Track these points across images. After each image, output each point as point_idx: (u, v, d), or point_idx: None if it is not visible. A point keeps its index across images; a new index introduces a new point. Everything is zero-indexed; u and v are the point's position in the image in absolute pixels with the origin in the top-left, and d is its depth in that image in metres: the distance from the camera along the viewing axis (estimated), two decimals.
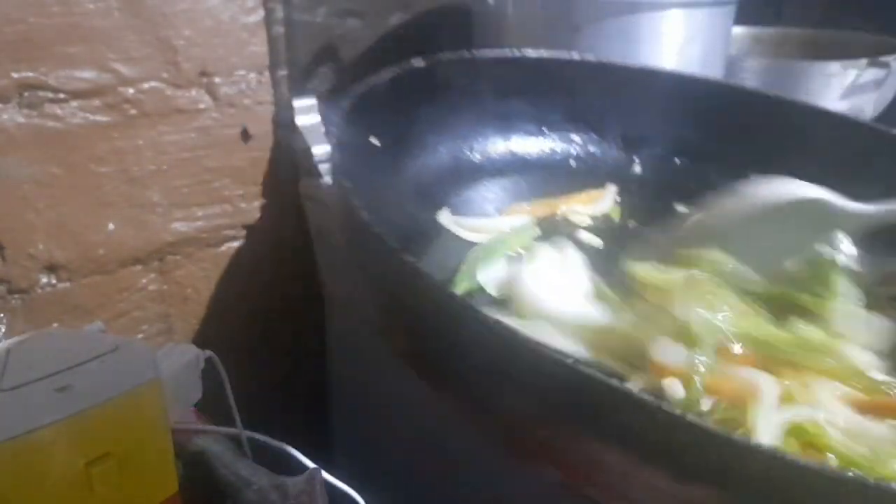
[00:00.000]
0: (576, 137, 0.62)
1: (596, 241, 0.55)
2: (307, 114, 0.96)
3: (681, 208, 0.58)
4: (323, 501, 0.56)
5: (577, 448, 0.30)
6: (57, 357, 0.49)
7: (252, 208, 0.98)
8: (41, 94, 0.79)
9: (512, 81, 0.58)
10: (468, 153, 0.58)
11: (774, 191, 0.48)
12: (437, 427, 0.90)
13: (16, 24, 0.76)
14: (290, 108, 0.95)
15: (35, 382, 0.46)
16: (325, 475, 0.58)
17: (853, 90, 0.95)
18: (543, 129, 0.61)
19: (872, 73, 0.95)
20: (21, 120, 0.78)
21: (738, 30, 1.15)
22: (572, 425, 0.29)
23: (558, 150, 0.62)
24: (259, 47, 0.92)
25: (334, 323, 1.02)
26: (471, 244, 0.52)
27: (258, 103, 0.94)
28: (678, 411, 0.26)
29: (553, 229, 0.55)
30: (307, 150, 0.95)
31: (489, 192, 0.58)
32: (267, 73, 0.94)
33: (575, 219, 0.57)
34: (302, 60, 0.96)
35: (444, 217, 0.54)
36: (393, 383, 0.94)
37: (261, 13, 0.91)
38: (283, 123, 0.96)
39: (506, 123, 0.59)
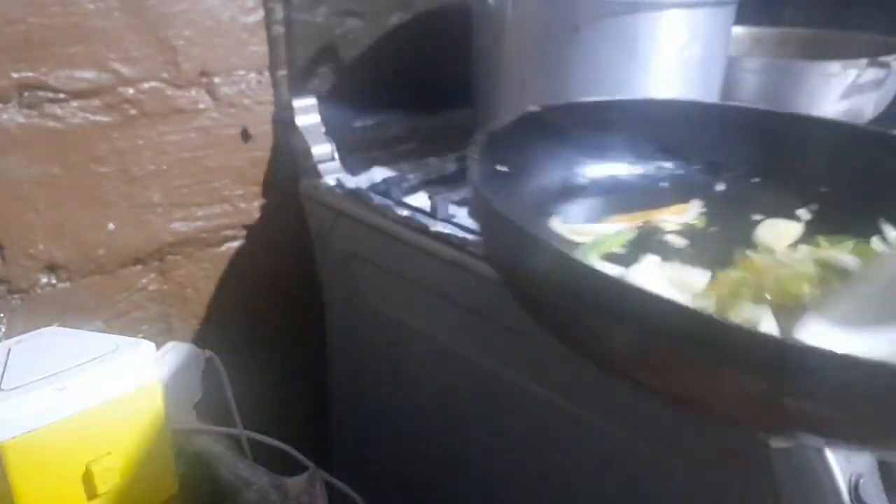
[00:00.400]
0: (665, 164, 0.73)
1: (682, 242, 0.64)
2: (307, 114, 0.96)
3: (757, 217, 0.67)
4: (322, 501, 0.56)
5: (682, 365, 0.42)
6: (57, 357, 0.49)
7: (252, 208, 0.98)
8: (41, 94, 0.79)
9: (610, 121, 0.70)
10: (574, 176, 0.70)
11: None
12: (436, 426, 0.90)
13: (16, 24, 0.76)
14: (290, 108, 0.95)
15: (36, 382, 0.47)
16: (325, 475, 0.58)
17: (853, 90, 0.96)
18: (637, 158, 0.72)
19: (872, 73, 0.95)
20: (21, 120, 0.78)
21: (738, 30, 1.15)
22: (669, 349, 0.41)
23: (650, 174, 0.73)
24: (259, 47, 0.92)
25: (334, 323, 1.02)
26: (577, 245, 0.62)
27: (258, 103, 0.94)
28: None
29: (647, 233, 0.65)
30: (307, 150, 0.95)
31: (592, 206, 0.69)
32: (267, 73, 0.94)
33: (665, 226, 0.67)
34: (302, 60, 0.96)
35: (555, 223, 0.64)
36: (392, 384, 0.94)
37: (261, 13, 0.91)
38: (283, 123, 0.96)
39: (605, 154, 0.71)
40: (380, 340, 0.93)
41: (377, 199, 0.86)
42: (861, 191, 0.65)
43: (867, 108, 0.99)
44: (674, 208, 0.69)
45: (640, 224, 0.66)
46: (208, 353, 0.63)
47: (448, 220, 0.81)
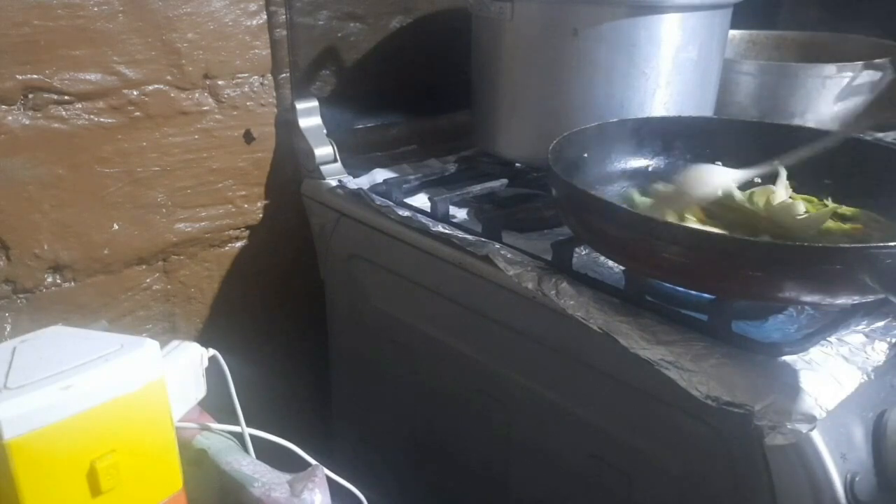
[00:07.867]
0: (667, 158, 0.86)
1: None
2: (309, 116, 0.96)
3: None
4: (325, 497, 0.56)
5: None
6: (62, 356, 0.50)
7: (255, 209, 0.99)
8: (46, 95, 0.80)
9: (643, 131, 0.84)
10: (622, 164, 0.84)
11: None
12: (436, 423, 0.91)
13: (21, 26, 0.77)
14: (293, 111, 0.96)
15: (41, 381, 0.47)
16: (327, 471, 0.59)
17: (848, 92, 0.96)
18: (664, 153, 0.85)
19: (867, 76, 0.96)
20: (26, 122, 0.79)
21: (734, 33, 1.16)
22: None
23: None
24: (262, 50, 0.93)
25: (336, 321, 1.03)
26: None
27: (261, 105, 0.95)
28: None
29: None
30: (309, 152, 0.96)
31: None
32: (269, 76, 0.95)
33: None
34: (304, 63, 0.97)
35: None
36: (393, 382, 0.95)
37: (263, 17, 0.92)
38: (286, 125, 0.97)
39: (639, 150, 0.84)
40: (381, 339, 0.93)
41: (378, 200, 0.86)
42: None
43: (862, 109, 1.00)
44: None
45: None
46: (212, 351, 0.63)
47: (448, 220, 0.82)
